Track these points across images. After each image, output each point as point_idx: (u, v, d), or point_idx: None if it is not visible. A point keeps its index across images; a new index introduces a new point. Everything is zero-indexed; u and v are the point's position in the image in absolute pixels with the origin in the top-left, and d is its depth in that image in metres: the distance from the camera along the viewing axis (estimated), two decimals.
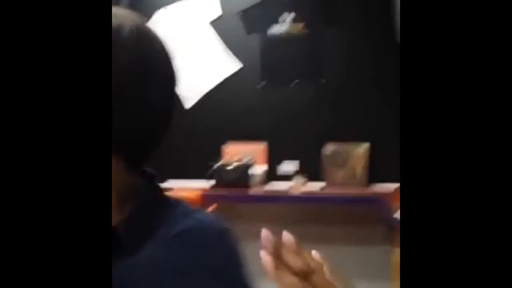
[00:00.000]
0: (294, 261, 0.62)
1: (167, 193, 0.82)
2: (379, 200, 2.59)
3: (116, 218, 0.74)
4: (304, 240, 2.78)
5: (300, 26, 3.06)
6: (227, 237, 0.77)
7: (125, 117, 0.69)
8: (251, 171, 2.90)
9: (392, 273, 2.58)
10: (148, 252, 0.74)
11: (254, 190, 2.88)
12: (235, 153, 3.01)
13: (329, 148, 3.00)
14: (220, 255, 0.75)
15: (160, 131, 0.77)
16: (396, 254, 2.44)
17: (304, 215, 3.05)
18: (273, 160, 3.05)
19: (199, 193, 2.68)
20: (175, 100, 0.79)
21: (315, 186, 2.90)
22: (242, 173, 2.87)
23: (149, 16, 3.14)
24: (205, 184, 2.88)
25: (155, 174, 0.81)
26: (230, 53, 3.09)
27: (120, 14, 0.71)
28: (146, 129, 0.73)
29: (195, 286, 0.73)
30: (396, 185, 2.55)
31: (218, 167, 2.87)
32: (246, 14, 3.10)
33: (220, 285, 0.74)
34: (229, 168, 2.87)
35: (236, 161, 2.93)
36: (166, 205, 0.79)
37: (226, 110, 3.10)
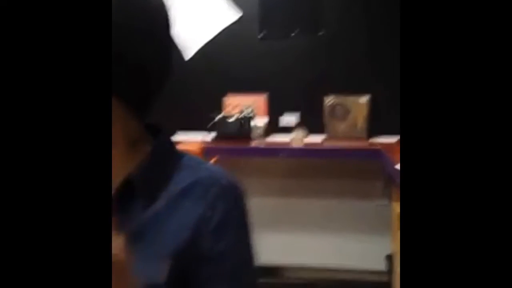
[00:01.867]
0: None
1: (175, 145, 0.83)
2: (380, 152, 2.58)
3: (127, 169, 0.75)
4: (304, 193, 2.83)
5: None
6: (236, 190, 0.79)
7: (127, 64, 0.70)
8: (252, 123, 2.88)
9: (391, 228, 2.61)
10: (162, 204, 0.75)
11: (255, 143, 2.87)
12: (235, 104, 2.99)
13: (330, 100, 2.98)
14: (232, 206, 0.77)
15: (163, 76, 0.78)
16: (395, 208, 2.45)
17: (305, 168, 3.05)
18: (273, 112, 3.02)
19: (199, 146, 2.67)
20: (174, 48, 0.80)
21: (316, 139, 2.89)
22: (243, 125, 2.85)
23: None
24: (205, 136, 2.87)
25: (161, 126, 0.83)
26: (230, 1, 3.02)
27: None
28: (148, 76, 0.74)
29: (207, 236, 0.74)
30: (397, 137, 2.54)
31: (219, 119, 2.85)
32: None
33: (230, 237, 0.76)
34: (230, 120, 2.86)
35: (237, 113, 2.91)
36: (175, 156, 0.81)
37: (225, 61, 3.05)
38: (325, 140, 2.92)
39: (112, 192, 0.71)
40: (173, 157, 0.81)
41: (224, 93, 3.03)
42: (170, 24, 0.78)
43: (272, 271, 3.05)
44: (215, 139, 2.85)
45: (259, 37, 3.03)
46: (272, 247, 3.06)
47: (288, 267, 3.10)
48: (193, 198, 0.76)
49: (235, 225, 0.77)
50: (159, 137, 0.81)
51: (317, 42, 2.99)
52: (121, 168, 0.74)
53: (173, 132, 2.93)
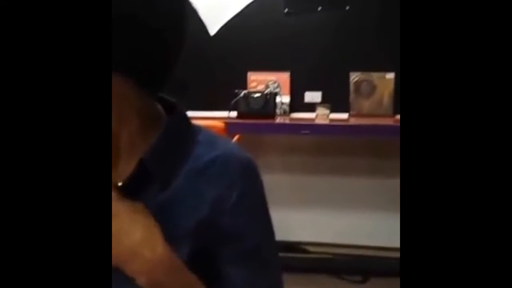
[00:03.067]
0: None
1: (190, 121, 0.81)
2: None
3: (142, 147, 0.73)
4: (329, 171, 2.81)
5: None
6: (253, 168, 0.78)
7: (135, 40, 0.67)
8: (277, 99, 2.87)
9: None
10: (179, 183, 0.74)
11: (280, 119, 2.86)
12: (260, 81, 2.98)
13: (356, 76, 2.94)
14: (250, 185, 0.76)
15: (175, 50, 0.75)
16: None
17: (330, 145, 3.04)
18: (297, 90, 3.00)
19: (222, 123, 2.67)
20: (187, 22, 0.77)
21: (340, 117, 2.87)
22: (268, 101, 2.83)
23: None
24: (229, 113, 2.87)
25: (175, 102, 0.80)
26: None
27: None
28: (160, 50, 0.71)
29: (226, 214, 0.73)
30: None
31: (244, 94, 2.84)
32: None
33: (249, 215, 0.75)
34: (255, 95, 2.84)
35: (263, 88, 2.90)
36: (191, 133, 0.79)
37: (250, 37, 3.03)
38: (349, 117, 2.90)
39: (129, 173, 0.72)
40: (189, 134, 0.78)
41: (248, 69, 3.02)
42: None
43: (294, 246, 3.07)
44: (239, 116, 2.84)
45: (285, 11, 3.00)
46: (295, 224, 3.08)
47: (311, 243, 3.11)
48: (210, 177, 0.74)
49: (253, 203, 0.77)
50: (173, 114, 0.78)
51: (342, 17, 2.94)
52: (136, 147, 0.73)
53: (195, 108, 2.94)
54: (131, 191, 0.70)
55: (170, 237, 0.70)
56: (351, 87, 2.94)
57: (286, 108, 2.96)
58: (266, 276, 0.77)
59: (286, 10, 3.00)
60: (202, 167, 0.74)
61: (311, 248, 3.09)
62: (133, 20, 0.66)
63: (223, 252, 0.74)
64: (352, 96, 2.94)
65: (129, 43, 0.67)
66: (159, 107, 0.79)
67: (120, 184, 0.72)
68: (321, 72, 2.97)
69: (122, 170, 0.73)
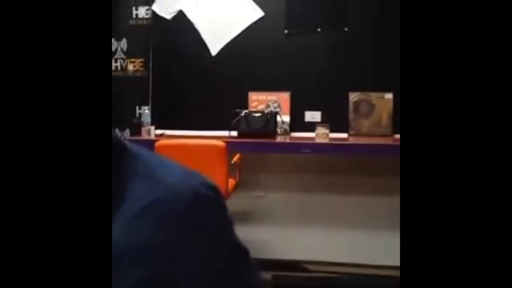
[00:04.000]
0: None
1: (125, 148, 0.65)
2: None
3: None
4: (328, 189, 2.84)
5: None
6: (204, 197, 0.63)
7: None
8: (278, 118, 2.91)
9: None
10: (118, 233, 0.58)
11: (280, 138, 2.89)
12: (261, 101, 3.01)
13: (355, 96, 2.98)
14: (202, 223, 0.62)
15: None
16: None
17: (329, 164, 3.06)
18: (296, 110, 3.04)
19: (224, 142, 2.71)
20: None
21: (340, 136, 2.90)
22: (269, 121, 2.86)
23: None
24: (230, 132, 2.90)
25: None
26: (251, 1, 3.05)
27: None
28: None
29: (172, 267, 0.60)
30: None
31: (246, 114, 2.87)
32: None
33: (198, 264, 0.62)
34: (256, 115, 2.88)
35: (263, 108, 2.93)
36: (127, 164, 0.63)
37: (251, 57, 3.08)
38: (349, 136, 2.93)
39: None
40: (125, 164, 0.63)
41: (249, 89, 3.06)
42: None
43: (294, 265, 3.07)
44: (240, 135, 2.87)
45: (285, 32, 3.05)
46: (296, 242, 3.09)
47: (311, 262, 3.12)
48: (156, 222, 0.60)
49: (211, 242, 0.63)
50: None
51: (341, 39, 3.00)
52: None
53: (197, 128, 2.97)
54: None
55: None
56: (350, 107, 2.98)
57: (287, 127, 3.00)
58: None
59: (286, 31, 3.05)
60: (144, 211, 0.60)
61: (311, 267, 3.09)
62: None
63: None
64: (351, 115, 2.98)
65: None
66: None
67: None
68: (321, 92, 3.01)
69: None
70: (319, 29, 3.01)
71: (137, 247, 0.59)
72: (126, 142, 0.65)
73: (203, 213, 0.62)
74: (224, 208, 0.65)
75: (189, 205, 0.61)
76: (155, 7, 3.16)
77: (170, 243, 0.60)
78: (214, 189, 0.63)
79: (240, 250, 0.67)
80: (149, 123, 2.93)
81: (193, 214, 0.61)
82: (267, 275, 2.72)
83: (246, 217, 3.04)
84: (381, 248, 2.97)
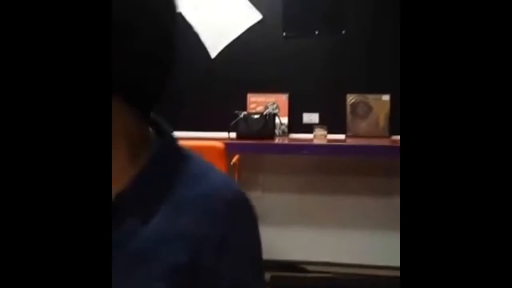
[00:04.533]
0: None
1: (180, 148, 0.73)
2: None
3: (130, 172, 0.67)
4: (327, 190, 2.85)
5: None
6: (240, 205, 0.70)
7: (126, 56, 0.61)
8: (276, 120, 2.93)
9: None
10: (160, 220, 0.66)
11: (278, 140, 2.92)
12: (259, 103, 3.04)
13: (352, 98, 3.01)
14: (235, 223, 0.68)
15: (165, 69, 0.68)
16: None
17: (327, 165, 3.09)
18: (294, 111, 3.07)
19: (222, 143, 2.72)
20: (178, 39, 0.70)
21: (337, 137, 2.93)
22: (267, 122, 2.89)
23: None
24: (229, 134, 2.93)
25: (166, 126, 0.74)
26: (250, 4, 3.08)
27: None
28: (153, 69, 0.65)
29: (205, 261, 0.66)
30: None
31: (244, 115, 2.90)
32: None
33: (230, 262, 0.67)
34: (255, 116, 2.90)
35: (261, 110, 2.96)
36: (180, 160, 0.71)
37: (249, 60, 3.11)
38: (346, 138, 2.96)
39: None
40: (176, 164, 0.70)
41: (248, 91, 3.09)
42: (175, 13, 0.68)
43: (293, 266, 3.10)
44: (239, 136, 2.90)
45: (283, 35, 3.08)
46: (294, 243, 3.12)
47: (309, 262, 3.14)
48: (192, 216, 0.66)
49: (238, 245, 0.68)
50: (164, 139, 0.72)
51: (339, 41, 3.03)
52: (124, 173, 0.67)
53: (195, 130, 2.99)
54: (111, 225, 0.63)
55: (148, 276, 0.64)
56: (348, 109, 3.01)
57: (285, 129, 3.02)
58: None
59: (284, 34, 3.08)
60: (184, 204, 0.67)
61: (309, 267, 3.12)
62: (124, 33, 0.60)
63: None
64: (348, 117, 3.01)
65: (118, 57, 0.60)
66: (150, 129, 0.72)
67: None
68: (319, 94, 3.04)
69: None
70: (316, 32, 3.04)
71: (177, 236, 0.65)
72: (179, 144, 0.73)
73: (239, 214, 0.69)
74: (255, 218, 0.71)
75: (228, 205, 0.67)
76: None
77: (204, 236, 0.65)
78: (249, 200, 0.70)
79: (260, 265, 0.72)
80: None
81: (230, 214, 0.67)
82: (266, 276, 2.75)
83: None
84: (379, 249, 3.00)
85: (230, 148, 2.68)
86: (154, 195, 0.67)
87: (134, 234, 0.65)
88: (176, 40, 0.68)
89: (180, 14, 3.13)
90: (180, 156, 0.71)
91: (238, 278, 0.68)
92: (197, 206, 0.67)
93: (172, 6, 0.67)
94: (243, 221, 0.69)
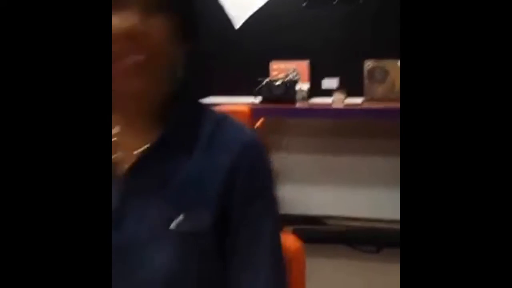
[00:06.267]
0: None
1: (202, 102, 0.85)
2: None
3: (161, 125, 0.77)
4: (345, 151, 3.08)
5: None
6: (262, 145, 0.82)
7: None
8: (297, 86, 3.11)
9: None
10: (197, 156, 0.78)
11: (299, 104, 3.09)
12: (281, 69, 3.22)
13: (369, 63, 3.16)
14: (257, 157, 0.80)
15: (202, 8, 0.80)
16: None
17: (345, 128, 3.26)
18: (315, 77, 3.24)
19: (247, 107, 2.89)
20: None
21: (356, 101, 3.08)
22: (288, 88, 3.07)
23: None
24: (253, 99, 3.10)
25: (190, 86, 0.84)
26: None
27: None
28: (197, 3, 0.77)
29: (238, 182, 0.77)
30: None
31: (267, 82, 3.09)
32: None
33: (258, 183, 0.79)
34: (276, 83, 3.09)
35: (283, 77, 3.14)
36: (204, 111, 0.83)
37: (272, 28, 3.27)
38: (364, 101, 3.10)
39: (152, 141, 0.77)
40: (202, 112, 0.82)
41: (270, 59, 3.26)
42: None
43: (314, 219, 3.29)
44: (262, 101, 3.07)
45: (303, 5, 3.23)
46: (315, 199, 3.31)
47: (329, 217, 3.33)
48: (225, 148, 0.78)
49: (264, 169, 0.81)
50: (189, 95, 0.83)
51: (357, 10, 3.16)
52: (159, 123, 0.78)
53: (221, 95, 3.19)
54: (151, 161, 0.76)
55: (195, 207, 0.75)
56: (365, 74, 3.16)
57: (305, 94, 3.20)
58: (271, 236, 0.80)
59: (304, 4, 3.24)
60: (214, 141, 0.78)
61: (329, 221, 3.31)
62: None
63: (236, 214, 0.77)
64: (366, 82, 3.17)
65: None
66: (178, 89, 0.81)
67: (138, 151, 0.76)
68: (338, 60, 3.20)
69: (146, 135, 0.78)
70: (335, 1, 3.18)
71: (213, 167, 0.77)
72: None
73: (260, 150, 0.81)
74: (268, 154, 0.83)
75: (251, 140, 0.81)
76: None
77: (236, 166, 0.77)
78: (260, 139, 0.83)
79: (273, 193, 0.83)
80: None
81: (253, 150, 0.80)
82: (288, 228, 2.97)
83: None
84: (392, 204, 3.14)
85: (255, 112, 2.82)
86: (188, 136, 0.78)
87: (178, 169, 0.77)
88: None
89: None
90: (203, 107, 0.84)
91: (267, 201, 0.80)
92: (228, 140, 0.79)
93: None
94: (265, 155, 0.82)
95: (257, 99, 3.10)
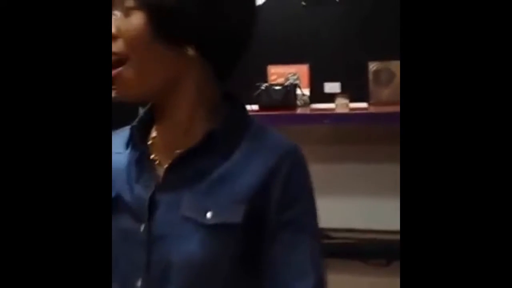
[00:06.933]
0: None
1: (247, 111, 0.95)
2: None
3: (208, 127, 0.86)
4: (349, 159, 2.88)
5: None
6: (300, 151, 0.90)
7: (219, 28, 0.82)
8: (298, 91, 2.95)
9: None
10: (237, 157, 0.86)
11: (300, 110, 2.94)
12: (279, 74, 3.06)
13: (375, 65, 2.99)
14: (295, 164, 0.88)
15: (247, 41, 0.93)
16: None
17: (350, 134, 3.11)
18: (316, 81, 3.07)
19: None
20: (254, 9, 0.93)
21: (360, 106, 2.93)
22: (289, 92, 2.91)
23: None
24: (252, 105, 2.95)
25: (236, 95, 0.94)
26: None
27: None
28: (237, 40, 0.88)
29: (275, 187, 0.84)
30: None
31: (266, 87, 2.93)
32: None
33: (295, 189, 0.87)
34: (276, 88, 2.93)
35: (283, 81, 2.98)
36: (247, 120, 0.91)
37: (268, 32, 3.10)
38: (370, 106, 2.96)
39: (190, 144, 0.85)
40: (246, 120, 0.91)
41: (268, 63, 3.10)
42: None
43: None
44: (261, 108, 2.93)
45: (303, 4, 3.07)
46: (319, 210, 3.16)
47: (333, 229, 3.20)
48: (263, 153, 0.86)
49: (301, 176, 0.88)
50: (235, 103, 0.92)
51: (359, 8, 3.00)
52: (203, 126, 0.86)
53: None
54: (192, 159, 0.83)
55: (230, 198, 0.82)
56: (370, 76, 2.99)
57: (306, 99, 3.04)
58: (311, 241, 0.87)
59: (303, 2, 3.07)
60: (255, 145, 0.87)
61: (333, 234, 3.17)
62: (218, 15, 0.81)
63: (273, 218, 0.84)
64: (371, 85, 3.00)
65: (213, 33, 0.83)
66: (223, 97, 0.91)
67: (179, 152, 0.85)
68: (340, 62, 3.03)
69: (181, 141, 0.86)
70: (336, 0, 3.02)
71: (251, 168, 0.84)
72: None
73: (299, 158, 0.88)
74: (307, 164, 0.90)
75: (290, 147, 0.89)
76: None
77: (273, 169, 0.84)
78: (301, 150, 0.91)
79: (314, 199, 0.91)
80: None
81: (292, 157, 0.87)
82: None
83: None
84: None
85: None
86: (232, 138, 0.86)
87: (216, 166, 0.84)
88: (256, 17, 0.94)
89: None
90: (247, 116, 0.92)
91: (303, 207, 0.87)
92: (267, 146, 0.87)
93: None
94: (300, 163, 0.88)
95: (255, 106, 2.94)
